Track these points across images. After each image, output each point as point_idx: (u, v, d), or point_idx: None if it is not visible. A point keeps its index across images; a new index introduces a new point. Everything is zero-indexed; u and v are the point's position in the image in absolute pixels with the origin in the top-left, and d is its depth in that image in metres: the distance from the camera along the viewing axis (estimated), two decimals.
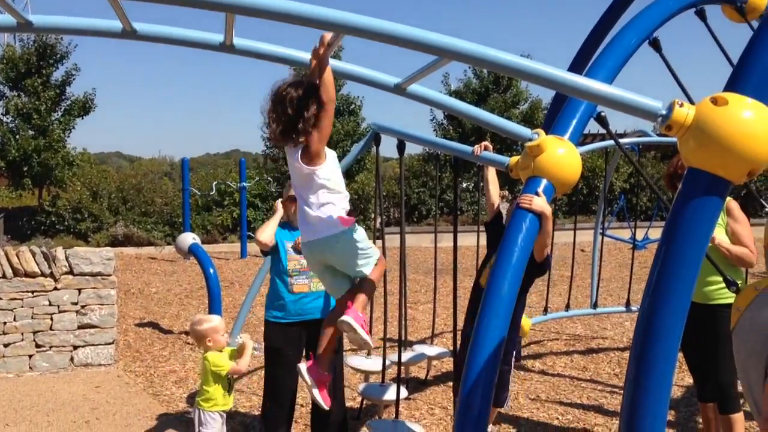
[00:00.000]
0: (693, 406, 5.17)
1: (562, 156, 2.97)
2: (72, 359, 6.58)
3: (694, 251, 1.89)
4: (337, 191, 3.05)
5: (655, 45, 3.84)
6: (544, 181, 2.97)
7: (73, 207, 18.23)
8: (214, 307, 6.86)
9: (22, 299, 6.38)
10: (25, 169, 18.39)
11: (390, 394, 4.67)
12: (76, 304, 6.58)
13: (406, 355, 5.60)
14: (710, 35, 4.44)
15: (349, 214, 3.13)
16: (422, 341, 7.13)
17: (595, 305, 7.72)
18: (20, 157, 18.14)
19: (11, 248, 6.54)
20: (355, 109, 21.96)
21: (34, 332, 6.43)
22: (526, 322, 6.06)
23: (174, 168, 31.09)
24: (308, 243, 3.10)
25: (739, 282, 2.78)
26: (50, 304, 6.49)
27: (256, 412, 5.21)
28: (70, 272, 6.56)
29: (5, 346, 6.35)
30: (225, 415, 3.99)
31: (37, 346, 6.46)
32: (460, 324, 4.31)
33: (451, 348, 6.41)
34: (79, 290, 6.59)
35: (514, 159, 3.75)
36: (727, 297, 3.81)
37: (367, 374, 5.28)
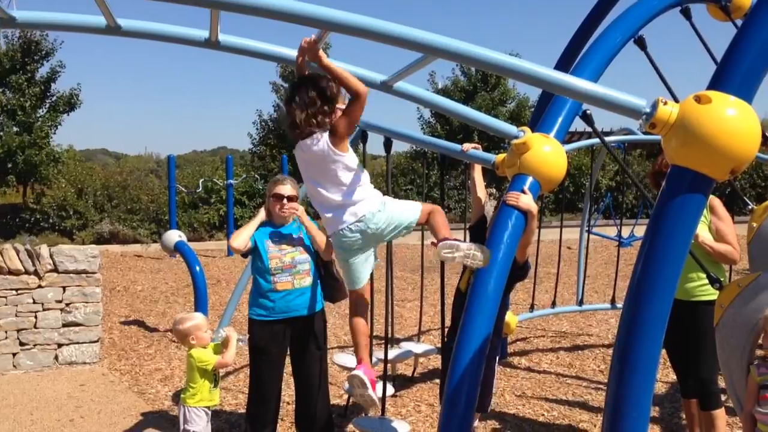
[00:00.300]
0: (677, 402, 5.21)
1: (547, 153, 2.99)
2: (56, 357, 6.53)
3: (677, 248, 1.90)
4: (360, 178, 3.21)
5: (641, 43, 3.86)
6: (530, 179, 2.99)
7: (58, 204, 18.12)
8: (200, 305, 6.84)
9: (5, 297, 6.33)
10: (9, 166, 18.25)
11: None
12: (60, 302, 6.53)
13: (393, 353, 5.60)
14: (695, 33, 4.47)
15: None
16: (409, 338, 7.14)
17: (581, 302, 7.76)
18: (4, 154, 18.00)
19: None
20: None
21: (18, 330, 6.38)
22: (512, 319, 6.08)
23: (160, 165, 30.91)
24: (348, 227, 3.18)
25: (722, 279, 2.80)
26: (34, 302, 6.44)
27: (242, 410, 5.19)
28: (55, 270, 6.51)
29: None
30: (210, 412, 3.97)
31: (21, 344, 6.40)
32: (447, 321, 4.31)
33: (438, 345, 6.43)
34: (64, 288, 6.55)
35: (501, 157, 3.76)
36: (709, 294, 3.83)
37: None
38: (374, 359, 4.92)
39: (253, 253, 4.11)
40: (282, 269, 3.99)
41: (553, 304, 7.67)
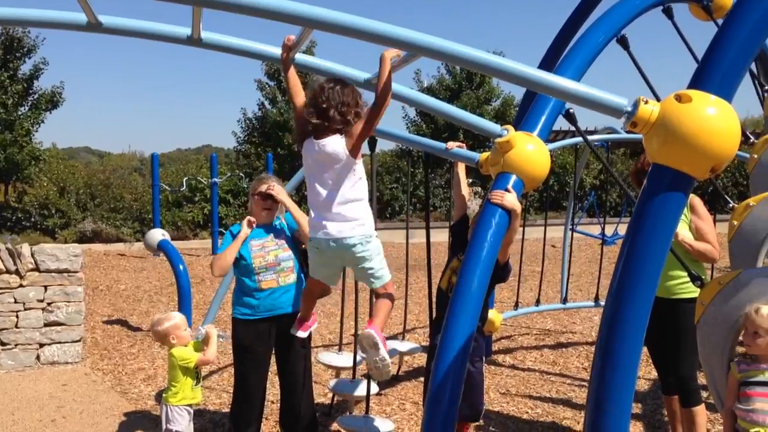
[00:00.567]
0: (659, 399, 5.25)
1: (531, 152, 3.01)
2: (38, 357, 6.47)
3: (658, 246, 1.91)
4: (364, 191, 3.27)
5: (623, 42, 3.88)
6: (514, 177, 3.00)
7: (40, 203, 17.93)
8: (183, 304, 6.80)
9: None
10: None
11: (361, 390, 4.66)
12: (42, 301, 6.47)
13: None
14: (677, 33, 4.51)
15: None
16: (394, 337, 7.13)
17: (565, 300, 7.80)
18: None
19: None
20: None
21: None
22: (497, 317, 6.11)
23: (144, 163, 30.77)
24: (330, 239, 3.20)
25: (703, 277, 2.83)
26: (15, 302, 6.36)
27: (226, 410, 5.17)
28: (36, 269, 6.44)
29: None
30: (192, 411, 3.95)
31: (2, 343, 6.33)
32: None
33: (423, 344, 6.44)
34: (46, 287, 6.48)
35: (484, 155, 3.77)
36: (690, 291, 3.86)
37: (338, 370, 5.27)
38: (359, 357, 4.92)
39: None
40: (266, 267, 3.97)
41: (538, 302, 7.72)
